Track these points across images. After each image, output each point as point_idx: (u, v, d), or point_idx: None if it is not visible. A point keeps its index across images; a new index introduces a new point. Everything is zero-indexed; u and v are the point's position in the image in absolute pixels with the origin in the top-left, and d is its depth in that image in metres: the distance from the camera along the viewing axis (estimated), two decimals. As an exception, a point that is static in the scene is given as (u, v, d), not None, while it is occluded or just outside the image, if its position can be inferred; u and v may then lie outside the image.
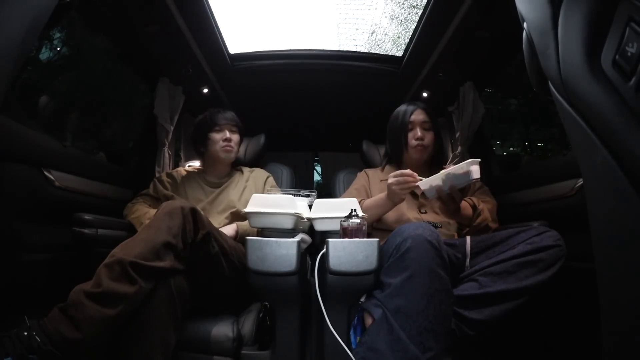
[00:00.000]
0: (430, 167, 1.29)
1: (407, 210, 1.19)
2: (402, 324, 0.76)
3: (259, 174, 1.43)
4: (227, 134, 1.35)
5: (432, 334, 0.76)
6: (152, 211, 1.19)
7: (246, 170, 1.44)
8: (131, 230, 1.16)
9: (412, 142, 1.24)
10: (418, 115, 1.26)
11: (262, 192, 1.36)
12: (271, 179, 1.43)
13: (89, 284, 0.76)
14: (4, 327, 0.91)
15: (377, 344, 0.77)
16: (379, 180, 1.30)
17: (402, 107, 1.31)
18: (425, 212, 1.20)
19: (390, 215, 1.18)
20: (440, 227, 1.15)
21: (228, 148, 1.34)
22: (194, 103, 1.73)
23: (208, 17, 1.28)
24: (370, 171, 1.38)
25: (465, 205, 1.10)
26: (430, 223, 1.14)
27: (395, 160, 1.34)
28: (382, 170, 1.36)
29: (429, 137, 1.25)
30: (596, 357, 0.45)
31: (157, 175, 1.59)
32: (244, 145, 1.66)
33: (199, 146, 1.40)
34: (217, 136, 1.35)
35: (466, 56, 1.42)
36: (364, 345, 0.80)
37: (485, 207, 1.13)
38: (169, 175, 1.36)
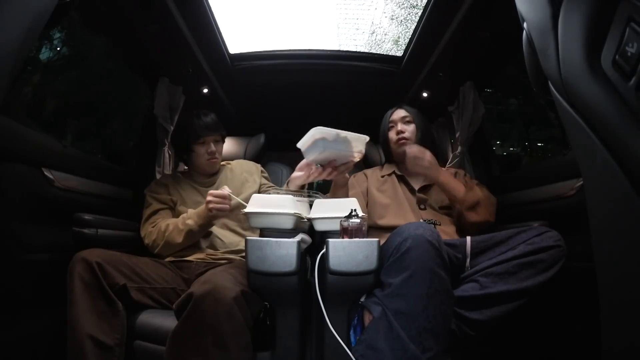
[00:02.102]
0: None
1: (406, 207, 1.20)
2: (402, 324, 0.76)
3: (248, 166, 1.41)
4: (212, 147, 1.28)
5: (432, 335, 0.76)
6: (173, 220, 1.15)
7: (232, 163, 1.42)
8: (130, 230, 1.16)
9: (394, 137, 1.30)
10: (398, 114, 1.33)
11: (260, 182, 1.36)
12: (262, 168, 1.42)
13: None
14: (4, 326, 0.92)
15: (376, 342, 0.77)
16: (379, 177, 1.32)
17: (387, 112, 1.37)
18: (425, 209, 1.20)
19: (390, 213, 1.18)
20: (439, 224, 1.15)
21: (213, 160, 1.30)
22: (194, 103, 1.73)
23: (208, 17, 1.28)
24: (369, 171, 1.39)
25: (457, 184, 1.16)
26: (429, 221, 1.14)
27: (388, 160, 1.39)
28: (382, 168, 1.38)
29: (409, 130, 1.29)
30: (596, 357, 0.45)
31: (157, 175, 1.58)
32: (243, 145, 1.65)
33: (181, 154, 1.35)
34: (201, 149, 1.28)
35: (466, 56, 1.42)
36: (363, 343, 0.80)
37: (479, 188, 1.16)
38: (158, 183, 1.31)
